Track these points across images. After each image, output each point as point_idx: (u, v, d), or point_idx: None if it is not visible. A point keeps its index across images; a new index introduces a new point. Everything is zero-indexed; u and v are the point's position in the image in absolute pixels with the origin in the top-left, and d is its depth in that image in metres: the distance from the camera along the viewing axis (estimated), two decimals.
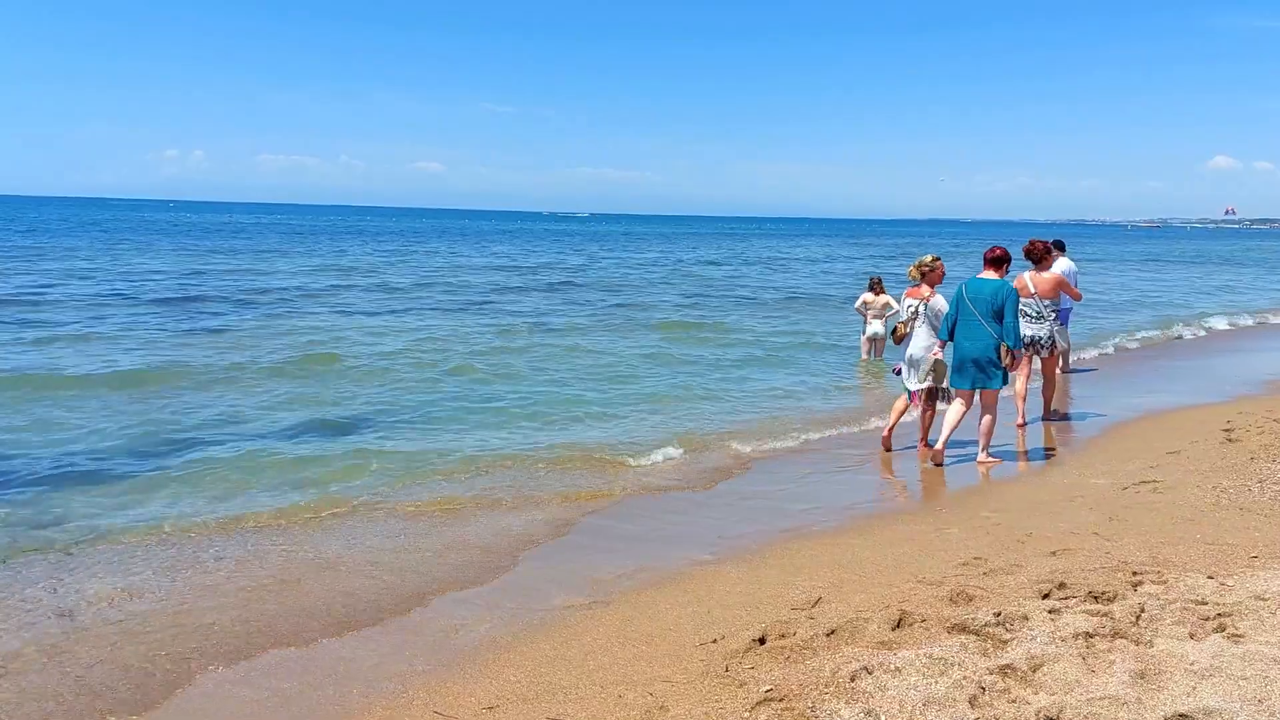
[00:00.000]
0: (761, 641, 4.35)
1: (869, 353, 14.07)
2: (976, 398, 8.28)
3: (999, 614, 4.41)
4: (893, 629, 4.40)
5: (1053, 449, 8.94)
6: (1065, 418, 10.25)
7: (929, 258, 8.73)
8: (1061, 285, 10.02)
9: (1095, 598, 4.64)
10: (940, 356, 8.30)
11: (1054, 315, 10.02)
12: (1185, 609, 4.36)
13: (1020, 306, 9.04)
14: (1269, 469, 7.08)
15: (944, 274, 8.72)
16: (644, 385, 12.00)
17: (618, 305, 23.07)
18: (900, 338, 8.78)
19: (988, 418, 8.21)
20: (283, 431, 9.14)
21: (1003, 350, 7.97)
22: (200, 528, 6.38)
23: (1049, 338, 9.86)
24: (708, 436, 9.27)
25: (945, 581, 5.06)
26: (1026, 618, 4.37)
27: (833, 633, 4.36)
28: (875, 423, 9.90)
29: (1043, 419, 9.93)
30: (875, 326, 13.93)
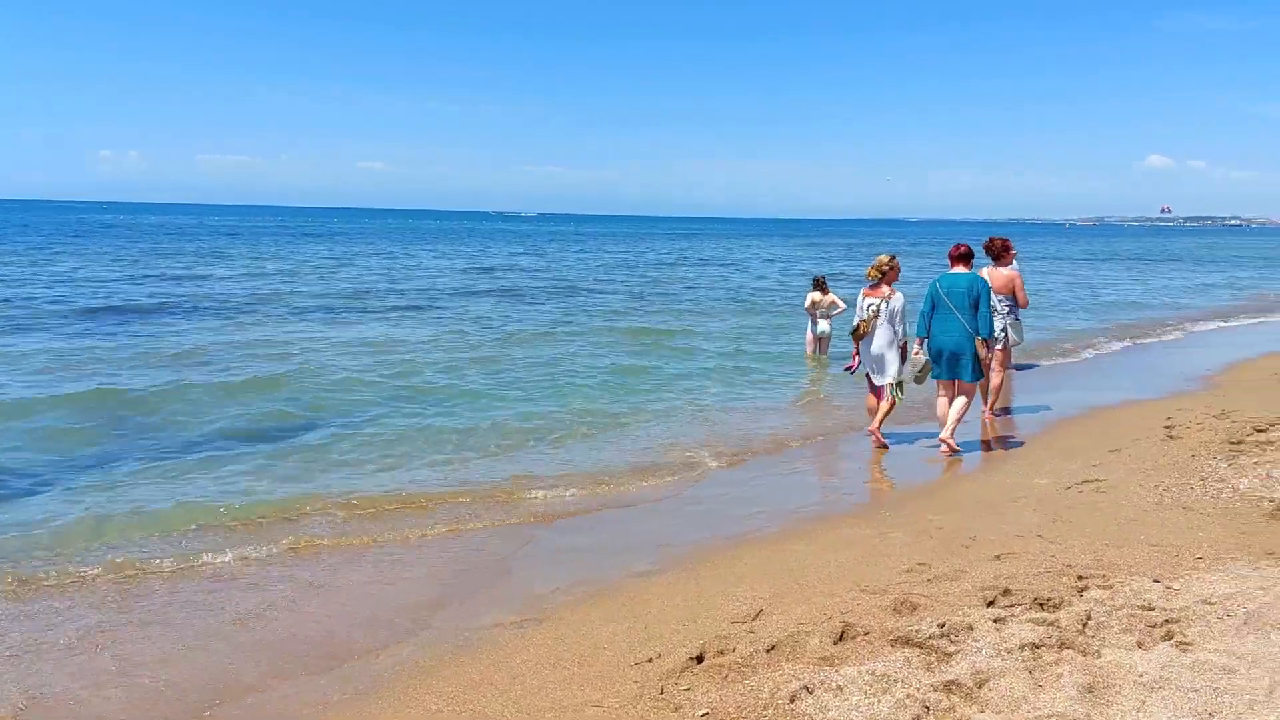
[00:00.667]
0: (699, 660, 4.15)
1: (814, 351, 14.01)
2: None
3: (943, 625, 4.26)
4: (835, 643, 4.23)
5: (994, 446, 8.89)
6: (1007, 412, 10.25)
7: (886, 257, 8.80)
8: (1015, 282, 10.14)
9: (1041, 605, 4.52)
10: (922, 356, 8.51)
11: (1008, 310, 10.17)
12: (1132, 615, 4.25)
13: None
14: (1210, 466, 7.06)
15: (900, 272, 8.86)
16: (586, 390, 11.76)
17: (569, 309, 22.72)
18: (861, 336, 8.82)
19: (961, 400, 8.45)
20: (219, 453, 8.75)
21: (978, 342, 8.21)
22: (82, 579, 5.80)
23: (1002, 331, 9.98)
24: (650, 442, 9.07)
25: (889, 590, 4.91)
26: (971, 628, 4.23)
27: (773, 648, 4.18)
28: (821, 422, 9.76)
29: (986, 411, 9.93)
30: (822, 325, 13.90)
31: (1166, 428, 8.66)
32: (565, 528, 6.57)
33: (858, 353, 8.99)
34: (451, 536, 6.36)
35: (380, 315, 20.19)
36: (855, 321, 8.86)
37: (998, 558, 5.38)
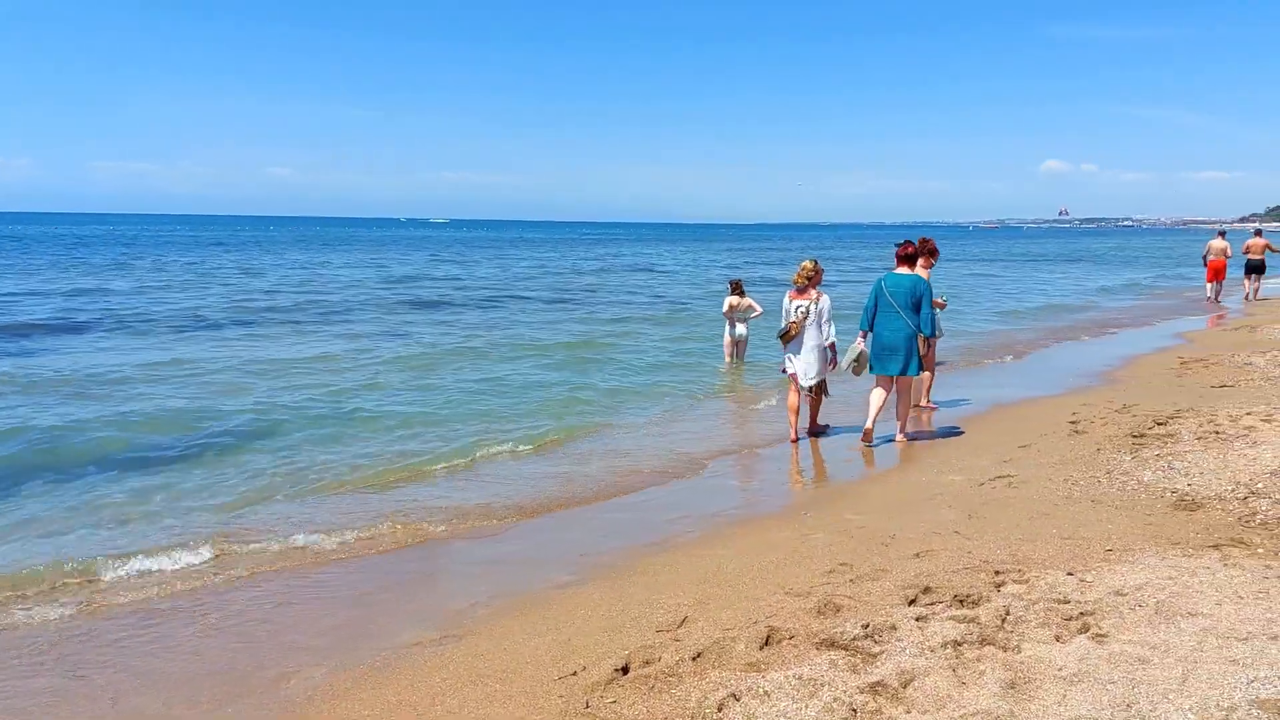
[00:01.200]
0: (624, 671, 4.07)
1: (732, 355, 14.07)
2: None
3: (867, 626, 4.26)
4: (760, 648, 4.19)
5: (908, 443, 9.03)
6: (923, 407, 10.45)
7: (811, 263, 9.08)
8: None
9: (961, 601, 4.57)
10: (863, 347, 8.88)
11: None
12: (1049, 609, 4.32)
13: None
14: (1115, 459, 7.28)
15: (822, 276, 9.14)
16: (503, 395, 11.59)
17: (488, 321, 22.39)
18: (790, 338, 9.02)
19: (905, 400, 8.96)
20: (117, 474, 8.33)
21: (920, 339, 8.62)
22: None
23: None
24: (570, 448, 8.97)
25: (812, 592, 4.91)
26: (894, 628, 4.24)
27: (699, 656, 4.13)
28: (740, 426, 9.77)
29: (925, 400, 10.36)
30: (740, 329, 13.96)
31: (1072, 423, 8.91)
32: (484, 541, 6.42)
33: (787, 353, 9.16)
34: (366, 555, 6.15)
35: (285, 328, 19.61)
36: (784, 324, 9.06)
37: (917, 555, 5.43)
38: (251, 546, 6.24)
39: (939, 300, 10.40)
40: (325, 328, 19.55)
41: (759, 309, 13.95)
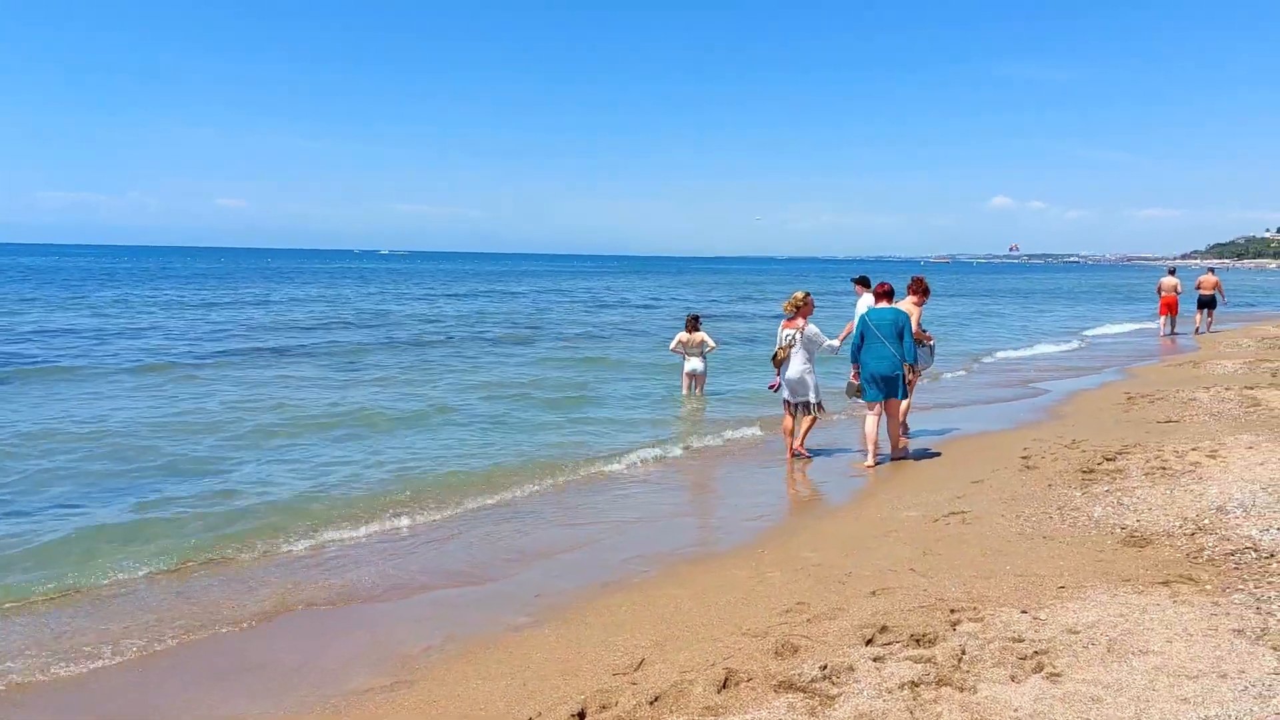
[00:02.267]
0: (581, 716, 4.02)
1: (689, 388, 14.09)
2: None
3: (825, 666, 4.25)
4: (719, 690, 4.16)
5: (864, 475, 9.08)
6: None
7: (800, 294, 9.95)
8: (913, 316, 10.66)
9: (917, 641, 4.57)
10: (854, 380, 9.70)
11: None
12: (1004, 648, 4.34)
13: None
14: (1066, 495, 7.37)
15: (813, 306, 10.02)
16: (452, 430, 11.49)
17: (447, 352, 22.28)
18: (780, 361, 9.93)
19: (894, 423, 9.67)
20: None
21: (905, 367, 9.46)
22: None
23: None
24: (526, 484, 8.88)
25: (770, 632, 4.89)
26: (852, 668, 4.23)
27: (657, 700, 4.09)
28: (695, 461, 9.74)
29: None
30: (694, 363, 13.99)
31: (1024, 458, 9.02)
32: (439, 583, 6.32)
33: (778, 375, 10.02)
34: (316, 599, 6.02)
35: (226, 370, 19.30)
36: (774, 349, 10.02)
37: (874, 594, 5.44)
38: (171, 580, 6.09)
39: (927, 335, 10.96)
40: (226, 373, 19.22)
41: (713, 343, 14.01)
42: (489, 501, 8.31)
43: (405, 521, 7.61)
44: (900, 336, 9.44)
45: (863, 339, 9.54)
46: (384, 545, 7.07)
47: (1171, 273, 25.17)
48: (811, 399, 9.88)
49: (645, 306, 42.78)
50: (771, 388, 10.34)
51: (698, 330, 13.98)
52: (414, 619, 5.63)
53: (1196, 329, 24.93)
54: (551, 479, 9.08)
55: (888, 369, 9.43)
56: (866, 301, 12.49)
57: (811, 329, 9.85)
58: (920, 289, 10.86)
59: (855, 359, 9.62)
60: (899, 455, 9.72)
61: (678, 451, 10.41)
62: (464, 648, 5.07)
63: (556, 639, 5.09)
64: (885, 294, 9.89)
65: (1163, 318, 25.13)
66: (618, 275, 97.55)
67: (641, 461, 9.91)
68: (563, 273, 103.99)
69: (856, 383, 9.69)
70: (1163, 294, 24.82)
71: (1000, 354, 21.43)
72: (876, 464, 9.41)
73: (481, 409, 13.13)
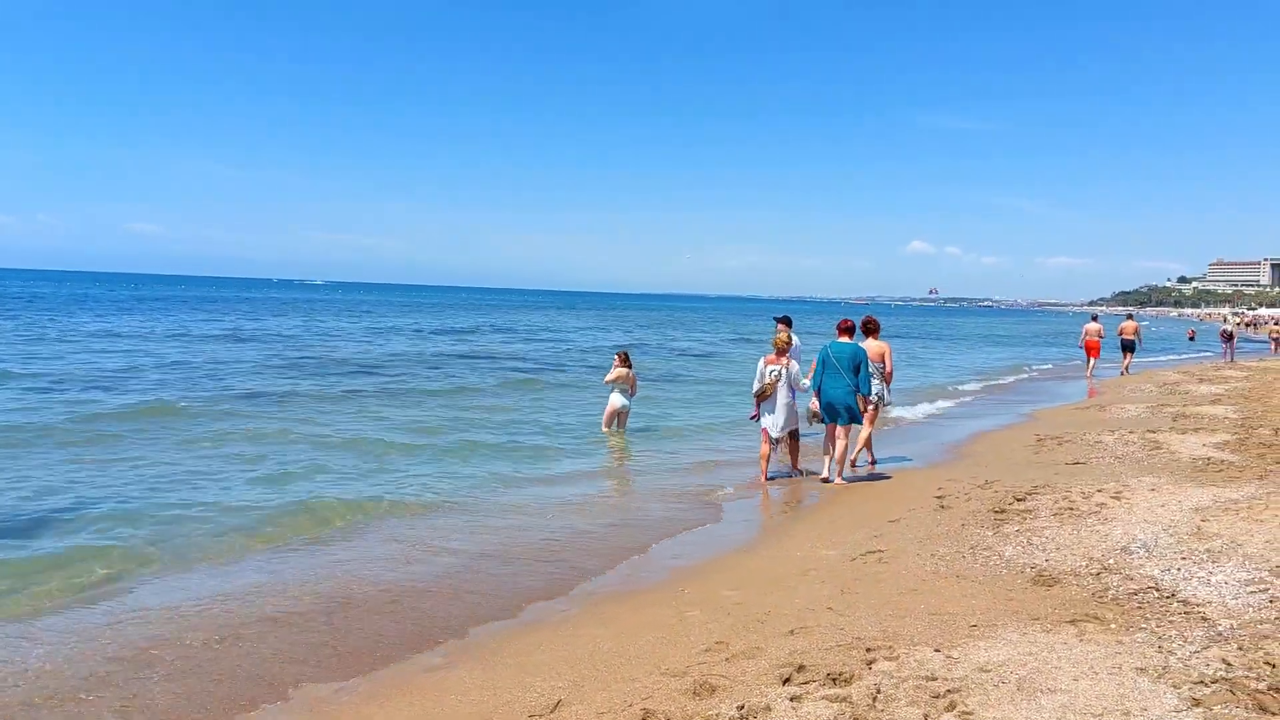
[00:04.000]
0: None
1: (610, 424, 14.01)
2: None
3: (742, 707, 4.24)
4: None
5: (786, 513, 9.16)
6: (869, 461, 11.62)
7: (785, 335, 11.01)
8: (885, 353, 11.73)
9: (834, 680, 4.59)
10: (816, 404, 10.64)
11: (881, 375, 11.66)
12: (918, 687, 4.38)
13: None
14: (979, 535, 7.53)
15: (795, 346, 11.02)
16: (360, 465, 11.27)
17: (371, 383, 21.89)
18: (765, 396, 10.81)
19: (842, 446, 10.55)
20: None
21: (859, 398, 10.43)
22: None
23: (879, 393, 11.60)
24: (440, 519, 8.73)
25: (688, 672, 4.86)
26: (769, 708, 4.23)
27: None
28: (616, 498, 9.69)
29: (868, 457, 11.69)
30: (618, 399, 13.91)
31: (938, 497, 9.20)
32: (346, 621, 6.14)
33: (759, 407, 10.90)
34: (216, 638, 5.79)
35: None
36: (760, 384, 10.82)
37: (791, 633, 5.46)
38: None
39: (887, 371, 11.73)
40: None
41: (635, 391, 14.05)
42: (408, 532, 8.14)
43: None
44: (856, 370, 10.44)
45: (823, 369, 10.53)
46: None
47: (1094, 319, 27.60)
48: (795, 427, 10.97)
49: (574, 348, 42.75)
50: (752, 418, 11.26)
51: (628, 366, 13.94)
52: (319, 662, 5.45)
53: (1122, 370, 26.96)
54: (471, 514, 8.94)
55: (843, 397, 10.39)
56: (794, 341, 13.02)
57: (795, 366, 10.84)
58: (876, 326, 11.86)
59: (815, 387, 10.61)
60: (856, 477, 10.81)
61: (603, 487, 10.37)
62: (377, 688, 4.95)
63: (472, 681, 4.99)
64: (847, 330, 10.87)
65: (1090, 360, 26.89)
66: (544, 310, 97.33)
67: (568, 497, 9.84)
68: (492, 305, 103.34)
69: (815, 409, 10.65)
70: (1086, 337, 26.89)
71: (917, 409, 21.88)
72: (829, 480, 10.44)
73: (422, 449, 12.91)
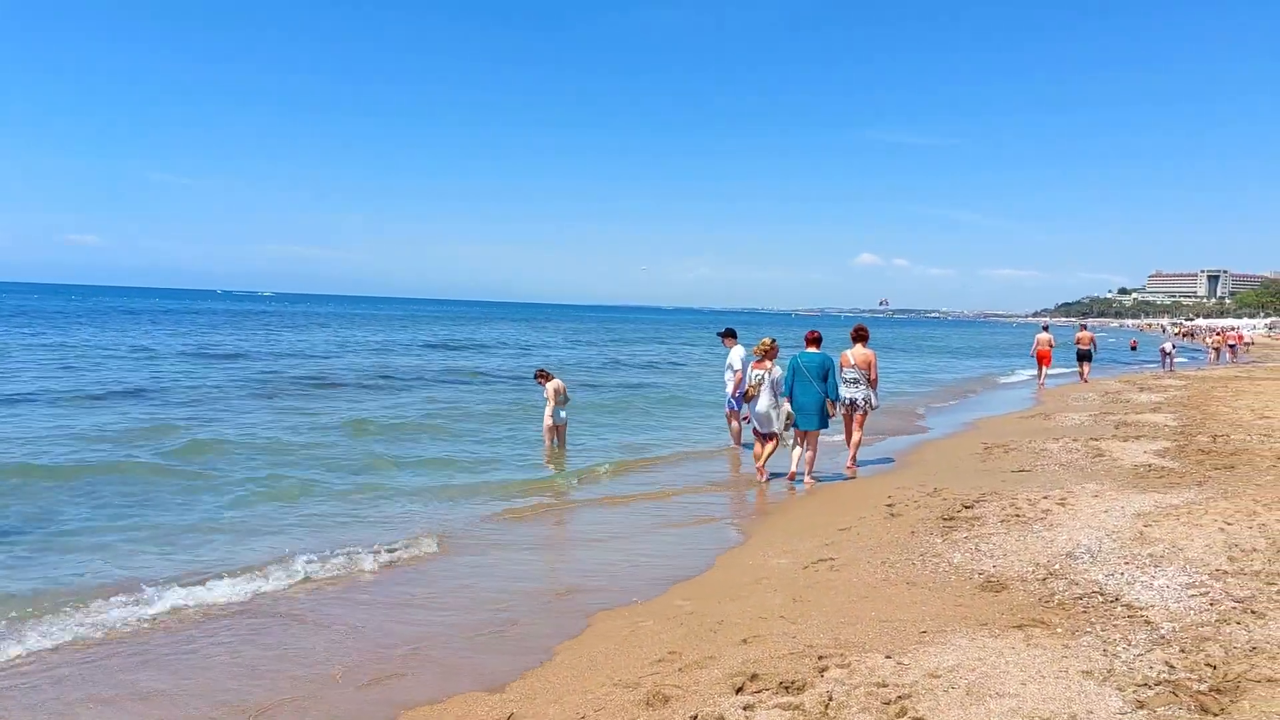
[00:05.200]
0: None
1: (552, 441, 13.64)
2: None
3: (695, 717, 4.24)
4: None
5: (740, 520, 9.17)
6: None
7: (768, 341, 11.59)
8: (871, 360, 12.12)
9: (786, 688, 4.60)
10: (789, 409, 11.16)
11: (867, 382, 12.05)
12: (869, 693, 4.41)
13: (844, 373, 11.92)
14: (928, 542, 7.61)
15: (778, 351, 11.62)
16: (285, 482, 11.10)
17: (319, 401, 21.57)
18: (750, 397, 11.47)
19: (810, 452, 11.25)
20: None
21: (828, 403, 11.10)
22: None
23: (864, 399, 12.05)
24: (378, 528, 8.62)
25: (641, 682, 4.84)
26: (722, 717, 4.22)
27: None
28: (563, 510, 9.63)
29: (851, 463, 11.88)
30: (552, 416, 13.47)
31: (888, 505, 9.28)
32: (264, 627, 6.03)
33: (740, 404, 11.72)
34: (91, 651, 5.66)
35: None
36: (745, 386, 11.57)
37: (744, 641, 5.46)
38: None
39: (873, 377, 12.15)
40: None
41: (568, 398, 13.89)
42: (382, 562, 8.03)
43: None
44: (825, 378, 11.11)
45: (794, 377, 11.14)
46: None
47: (1045, 329, 28.58)
48: (776, 429, 11.31)
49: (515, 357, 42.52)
50: (745, 420, 12.01)
51: (549, 380, 13.55)
52: (243, 673, 5.34)
53: (1083, 378, 27.19)
54: (431, 539, 8.85)
55: (811, 404, 11.06)
56: (738, 353, 13.42)
57: (778, 371, 11.35)
58: (866, 335, 12.32)
59: (786, 394, 11.21)
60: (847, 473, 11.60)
61: (550, 500, 10.31)
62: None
63: (421, 694, 4.91)
64: (815, 340, 11.47)
65: (1042, 369, 27.75)
66: (495, 321, 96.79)
67: (528, 508, 9.77)
68: (452, 317, 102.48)
69: (788, 410, 11.16)
70: (1038, 346, 27.83)
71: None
72: (799, 479, 11.11)
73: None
